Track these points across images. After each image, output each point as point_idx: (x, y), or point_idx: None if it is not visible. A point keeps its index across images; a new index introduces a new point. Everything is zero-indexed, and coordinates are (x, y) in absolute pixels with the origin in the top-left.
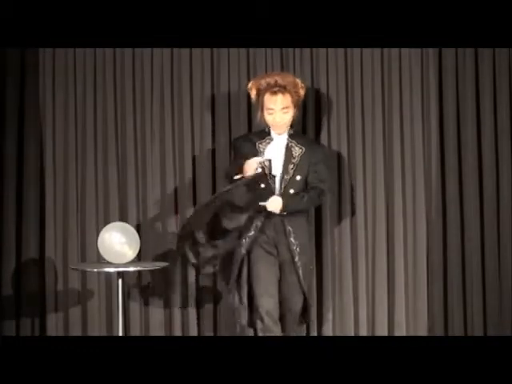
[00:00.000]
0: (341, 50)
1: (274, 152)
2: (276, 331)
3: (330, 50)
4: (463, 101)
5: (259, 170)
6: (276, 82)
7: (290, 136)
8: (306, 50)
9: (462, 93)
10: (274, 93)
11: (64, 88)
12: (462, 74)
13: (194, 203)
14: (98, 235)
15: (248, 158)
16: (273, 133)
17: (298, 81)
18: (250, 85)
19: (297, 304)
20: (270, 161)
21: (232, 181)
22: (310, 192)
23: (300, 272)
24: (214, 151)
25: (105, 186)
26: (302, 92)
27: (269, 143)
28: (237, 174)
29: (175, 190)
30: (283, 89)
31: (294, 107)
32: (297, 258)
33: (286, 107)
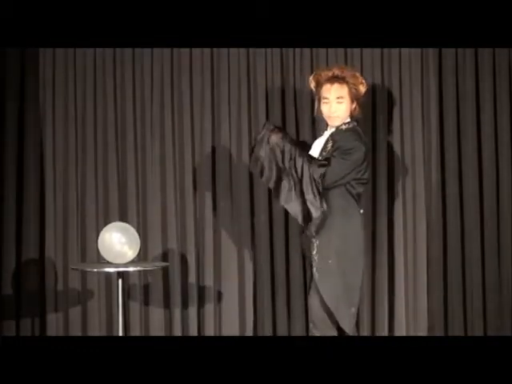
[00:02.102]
0: (341, 50)
1: (316, 146)
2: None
3: (329, 50)
4: (463, 101)
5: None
6: (333, 73)
7: (334, 132)
8: (306, 50)
9: (462, 93)
10: (331, 82)
11: (64, 88)
12: (462, 73)
13: (194, 203)
14: (98, 235)
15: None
16: (328, 128)
17: (359, 75)
18: (310, 78)
19: (311, 308)
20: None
21: None
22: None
23: (314, 269)
24: (214, 151)
25: (105, 186)
26: (361, 88)
27: (318, 138)
28: None
29: (175, 190)
30: (341, 80)
31: (352, 101)
32: (314, 251)
33: (341, 97)
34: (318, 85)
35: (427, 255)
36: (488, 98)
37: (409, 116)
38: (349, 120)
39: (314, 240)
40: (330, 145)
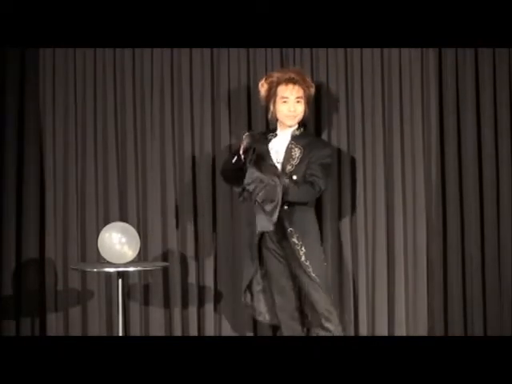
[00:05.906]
0: (341, 50)
1: (275, 151)
2: (295, 327)
3: (329, 49)
4: (463, 100)
5: (244, 143)
6: (289, 76)
7: (293, 138)
8: (306, 50)
9: (462, 93)
10: (290, 82)
11: (64, 88)
12: (462, 74)
13: (194, 203)
14: (98, 235)
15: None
16: (278, 130)
17: (307, 78)
18: (262, 81)
19: (318, 303)
20: (249, 136)
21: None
22: (303, 184)
23: (310, 271)
24: (214, 151)
25: (105, 186)
26: (311, 90)
27: (270, 140)
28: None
29: (175, 190)
30: (297, 81)
31: (306, 102)
32: (303, 258)
33: (300, 97)
34: (272, 87)
35: (427, 255)
36: (488, 97)
37: (409, 116)
38: (297, 126)
39: (298, 248)
40: (297, 153)
